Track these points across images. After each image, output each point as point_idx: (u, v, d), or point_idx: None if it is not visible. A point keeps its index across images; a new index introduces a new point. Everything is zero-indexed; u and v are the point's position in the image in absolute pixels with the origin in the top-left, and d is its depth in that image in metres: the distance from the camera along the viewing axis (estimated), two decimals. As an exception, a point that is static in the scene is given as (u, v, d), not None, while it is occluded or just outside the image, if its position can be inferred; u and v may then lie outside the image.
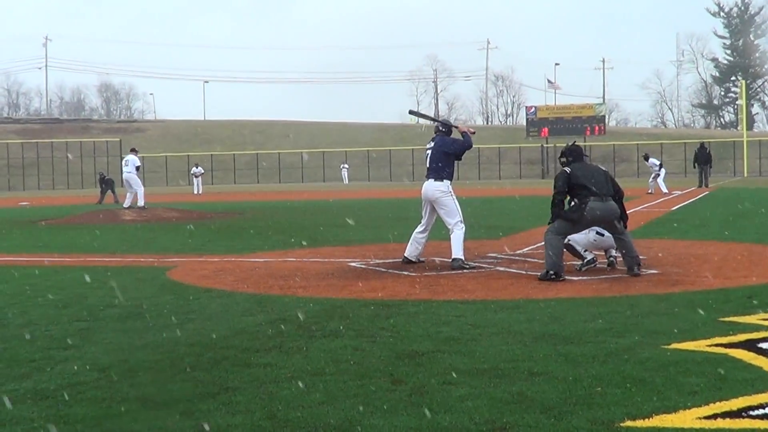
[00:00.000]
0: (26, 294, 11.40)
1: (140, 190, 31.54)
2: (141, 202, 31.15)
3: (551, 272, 11.64)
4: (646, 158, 45.66)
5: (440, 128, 14.10)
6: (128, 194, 32.01)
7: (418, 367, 6.82)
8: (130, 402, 6.05)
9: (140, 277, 12.98)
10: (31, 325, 9.09)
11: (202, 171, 61.97)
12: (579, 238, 12.74)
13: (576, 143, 13.05)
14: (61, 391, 6.38)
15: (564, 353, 7.14)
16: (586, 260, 12.69)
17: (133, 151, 33.59)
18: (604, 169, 12.71)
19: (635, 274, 11.79)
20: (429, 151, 13.81)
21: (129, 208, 30.78)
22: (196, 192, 57.41)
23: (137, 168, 31.71)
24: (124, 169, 32.10)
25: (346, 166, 68.02)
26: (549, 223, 12.29)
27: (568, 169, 12.41)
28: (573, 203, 12.26)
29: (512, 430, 5.18)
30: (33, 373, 7.01)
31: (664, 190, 41.30)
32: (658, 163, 43.47)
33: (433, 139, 13.92)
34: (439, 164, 13.62)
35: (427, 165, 13.80)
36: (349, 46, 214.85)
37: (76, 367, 7.14)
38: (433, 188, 13.55)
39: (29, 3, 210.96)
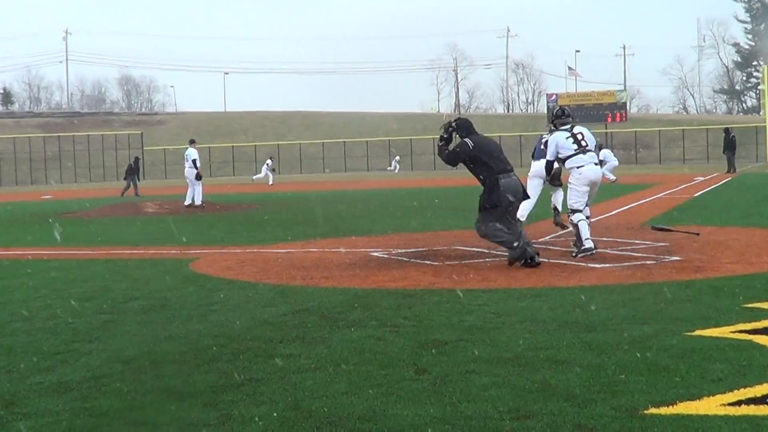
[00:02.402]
0: (50, 287, 11.46)
1: (198, 187, 29.45)
2: (198, 200, 29.31)
3: (525, 260, 11.72)
4: (601, 147, 43.60)
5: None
6: (188, 191, 29.92)
7: (441, 356, 6.82)
8: (154, 394, 6.07)
9: (163, 269, 13.02)
10: (55, 318, 9.14)
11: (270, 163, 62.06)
12: (578, 200, 12.88)
13: (461, 118, 13.02)
14: (85, 383, 6.42)
15: (587, 341, 7.12)
16: (583, 248, 12.59)
17: (192, 142, 31.53)
18: (496, 142, 12.89)
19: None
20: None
21: (189, 206, 29.12)
22: (270, 183, 57.42)
23: (194, 162, 29.87)
24: (185, 164, 30.46)
25: (398, 157, 66.02)
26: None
27: (470, 141, 12.33)
28: (484, 189, 12.18)
29: (536, 418, 5.17)
30: (57, 365, 7.05)
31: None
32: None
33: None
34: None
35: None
36: (369, 36, 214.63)
37: (100, 360, 7.18)
38: None
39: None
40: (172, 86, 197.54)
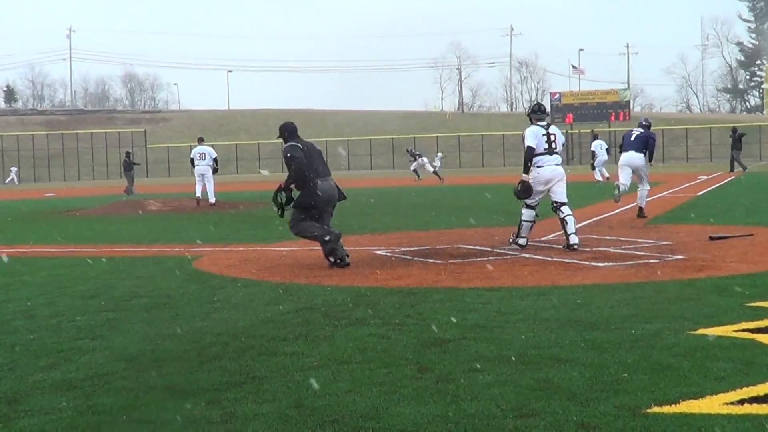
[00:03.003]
0: (53, 285, 11.48)
1: (210, 185, 29.43)
2: (212, 199, 29.21)
3: (335, 260, 12.25)
4: (596, 136, 42.48)
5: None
6: (208, 188, 29.56)
7: (444, 354, 6.82)
8: (157, 391, 6.08)
9: (167, 267, 13.03)
10: (58, 316, 9.15)
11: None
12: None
13: (286, 122, 13.37)
14: (88, 381, 6.42)
15: (590, 339, 7.12)
16: (514, 241, 13.82)
17: (201, 140, 31.21)
18: (318, 147, 13.19)
19: None
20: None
21: (213, 204, 28.93)
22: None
23: (214, 160, 29.77)
24: (200, 162, 29.73)
25: (441, 154, 63.84)
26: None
27: (300, 144, 12.69)
28: (302, 190, 12.56)
29: (538, 416, 5.17)
30: (61, 363, 7.06)
31: (598, 177, 39.33)
32: (606, 146, 40.82)
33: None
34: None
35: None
36: (373, 35, 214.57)
37: (103, 358, 7.19)
38: None
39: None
40: (175, 84, 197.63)
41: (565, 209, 13.65)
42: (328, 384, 6.05)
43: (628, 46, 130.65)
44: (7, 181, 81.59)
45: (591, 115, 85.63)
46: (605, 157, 39.89)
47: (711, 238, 13.91)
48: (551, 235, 15.55)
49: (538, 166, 13.69)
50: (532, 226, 13.88)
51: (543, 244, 14.17)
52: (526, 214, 13.80)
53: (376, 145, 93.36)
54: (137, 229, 20.73)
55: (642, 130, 20.08)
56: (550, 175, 13.73)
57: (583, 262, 11.91)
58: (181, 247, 15.93)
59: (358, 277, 11.33)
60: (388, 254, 13.60)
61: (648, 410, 5.23)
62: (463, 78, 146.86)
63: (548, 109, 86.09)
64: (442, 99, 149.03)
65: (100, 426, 5.36)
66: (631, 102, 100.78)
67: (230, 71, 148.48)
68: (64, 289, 11.12)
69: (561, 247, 13.59)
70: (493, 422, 5.11)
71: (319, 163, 12.67)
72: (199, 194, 29.57)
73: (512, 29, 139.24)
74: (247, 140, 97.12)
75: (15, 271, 13.19)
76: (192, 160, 30.14)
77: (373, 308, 8.94)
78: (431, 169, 46.01)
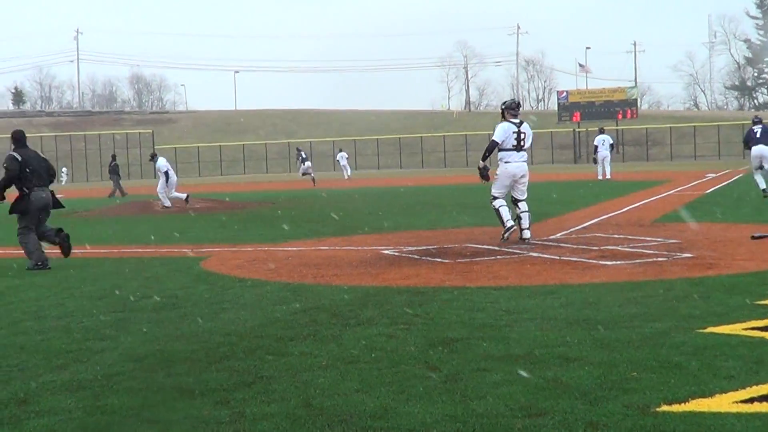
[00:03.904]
0: (62, 286, 11.50)
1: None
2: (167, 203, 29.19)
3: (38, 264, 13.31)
4: (602, 131, 41.64)
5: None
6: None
7: (453, 353, 6.82)
8: (166, 392, 6.09)
9: (175, 267, 13.04)
10: (67, 317, 9.17)
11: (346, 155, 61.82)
12: (500, 189, 14.64)
13: (16, 130, 14.49)
14: (97, 381, 6.43)
15: (598, 338, 7.11)
16: (506, 227, 14.51)
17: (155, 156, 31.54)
18: (43, 156, 14.21)
19: None
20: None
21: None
22: (346, 177, 57.43)
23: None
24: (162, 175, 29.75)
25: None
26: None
27: (18, 155, 13.57)
28: (18, 198, 13.56)
29: (547, 415, 5.16)
30: (70, 364, 7.07)
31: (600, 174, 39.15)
32: (611, 141, 40.53)
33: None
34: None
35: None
36: (379, 34, 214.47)
37: (112, 358, 7.20)
38: None
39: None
40: (182, 85, 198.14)
41: (522, 205, 14.65)
42: (337, 384, 6.05)
43: (635, 44, 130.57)
44: (60, 181, 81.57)
45: (598, 113, 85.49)
46: (606, 153, 39.47)
47: (753, 237, 13.83)
48: (559, 234, 15.54)
49: (506, 162, 14.68)
50: (509, 209, 14.71)
51: (550, 243, 14.16)
52: (498, 202, 14.72)
53: (382, 144, 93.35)
54: (145, 230, 20.76)
55: (762, 126, 23.69)
56: (516, 170, 14.66)
57: (591, 261, 11.89)
58: (188, 247, 15.94)
59: (366, 276, 11.33)
60: (396, 253, 13.59)
61: (657, 409, 5.22)
62: (470, 77, 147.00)
63: (557, 107, 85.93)
64: (449, 98, 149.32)
65: (110, 426, 5.37)
66: (639, 100, 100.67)
67: (237, 72, 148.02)
68: (72, 290, 11.14)
69: (505, 239, 14.53)
70: (501, 421, 5.10)
71: (39, 173, 13.69)
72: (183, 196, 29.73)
73: (519, 28, 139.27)
74: (255, 140, 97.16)
75: (24, 272, 13.22)
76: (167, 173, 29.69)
77: (381, 308, 8.94)
78: (310, 174, 46.22)
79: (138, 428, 5.33)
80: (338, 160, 60.71)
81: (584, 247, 13.44)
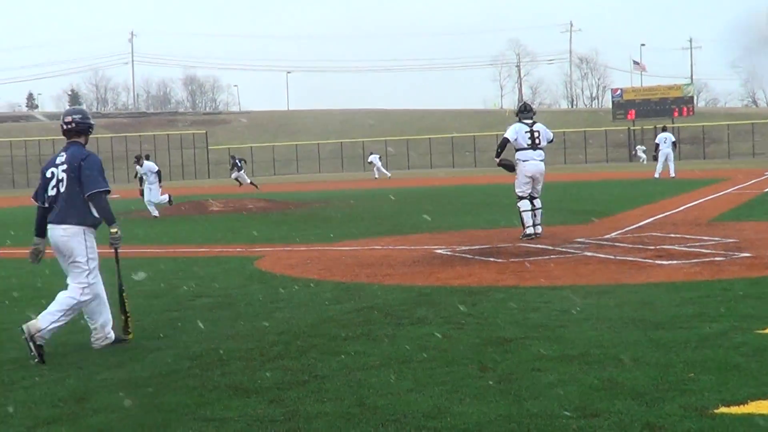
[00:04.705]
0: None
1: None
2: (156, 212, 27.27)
3: None
4: (664, 128, 40.56)
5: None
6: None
7: (506, 353, 6.79)
8: (221, 390, 6.12)
9: (229, 267, 13.12)
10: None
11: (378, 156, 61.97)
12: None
13: None
14: (154, 379, 6.50)
15: (655, 339, 7.04)
16: (524, 233, 15.01)
17: (146, 158, 29.35)
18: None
19: None
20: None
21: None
22: (377, 177, 57.58)
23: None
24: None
25: (644, 147, 58.18)
26: None
27: None
28: None
29: (603, 416, 5.12)
30: (126, 362, 7.15)
31: (668, 173, 37.87)
32: (672, 139, 39.08)
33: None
34: None
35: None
36: (432, 33, 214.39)
37: (168, 357, 7.26)
38: None
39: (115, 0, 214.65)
40: (235, 86, 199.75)
41: (537, 203, 15.31)
42: (390, 383, 6.05)
43: (691, 41, 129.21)
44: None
45: (654, 111, 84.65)
46: (669, 151, 38.95)
47: None
48: (614, 233, 15.41)
49: (523, 160, 15.31)
50: (532, 213, 15.15)
51: (605, 243, 14.04)
52: (523, 204, 15.21)
53: (435, 144, 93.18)
54: (199, 230, 20.91)
55: None
56: (533, 169, 15.29)
57: (646, 261, 11.77)
58: (242, 247, 16.03)
59: (419, 276, 11.32)
60: (449, 253, 13.57)
61: (715, 411, 5.15)
62: (522, 75, 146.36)
63: (611, 105, 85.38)
64: (501, 97, 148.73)
65: (166, 424, 5.41)
66: (695, 97, 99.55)
67: (289, 72, 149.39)
68: (128, 289, 11.22)
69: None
70: (556, 422, 5.07)
71: None
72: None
73: (572, 25, 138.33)
74: (307, 140, 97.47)
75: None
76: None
77: (435, 307, 8.93)
78: (247, 180, 46.57)
79: (193, 426, 5.37)
80: (371, 162, 60.72)
81: (640, 246, 13.32)
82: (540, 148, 15.36)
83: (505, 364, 6.43)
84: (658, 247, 13.14)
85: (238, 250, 15.66)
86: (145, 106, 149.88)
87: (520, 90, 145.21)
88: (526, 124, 15.39)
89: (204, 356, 7.23)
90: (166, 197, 27.71)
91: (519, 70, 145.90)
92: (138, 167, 28.64)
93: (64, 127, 8.26)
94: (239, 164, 47.52)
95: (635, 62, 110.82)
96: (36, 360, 7.33)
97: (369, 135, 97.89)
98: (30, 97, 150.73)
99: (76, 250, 7.95)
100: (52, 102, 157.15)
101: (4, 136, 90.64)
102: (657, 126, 72.99)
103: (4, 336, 8.60)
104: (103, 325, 7.97)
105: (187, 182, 72.36)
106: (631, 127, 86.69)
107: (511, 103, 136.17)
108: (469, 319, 8.26)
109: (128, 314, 8.21)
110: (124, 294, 8.38)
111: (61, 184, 7.97)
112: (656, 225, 16.95)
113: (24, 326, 7.51)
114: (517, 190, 15.37)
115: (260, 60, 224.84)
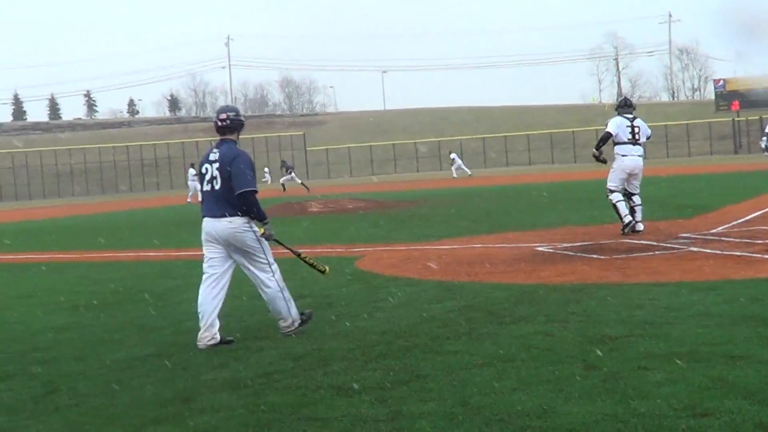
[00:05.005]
0: (221, 286, 11.73)
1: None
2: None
3: None
4: None
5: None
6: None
7: (612, 352, 6.67)
8: (324, 390, 6.14)
9: (330, 267, 13.16)
10: (227, 317, 9.34)
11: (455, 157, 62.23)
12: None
13: None
14: (257, 379, 6.55)
15: (766, 336, 6.85)
16: (624, 224, 14.86)
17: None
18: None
19: None
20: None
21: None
22: (456, 176, 57.85)
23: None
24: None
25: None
26: None
27: None
28: None
29: (713, 416, 4.99)
30: (230, 362, 7.22)
31: None
32: None
33: None
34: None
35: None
36: (527, 28, 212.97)
37: (271, 357, 7.32)
38: None
39: (211, 4, 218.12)
40: (331, 87, 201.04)
41: (636, 199, 15.22)
42: (493, 382, 6.00)
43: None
44: (263, 181, 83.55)
45: (759, 101, 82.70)
46: None
47: None
48: (720, 228, 15.08)
49: (623, 155, 15.27)
50: (626, 203, 15.17)
51: (711, 237, 13.74)
52: (615, 196, 15.19)
53: (533, 140, 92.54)
54: (299, 231, 21.07)
55: None
56: (632, 164, 15.22)
57: (755, 255, 11.48)
58: (342, 247, 16.10)
59: (521, 274, 11.23)
60: (551, 250, 13.43)
61: (831, 409, 4.99)
62: (621, 68, 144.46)
63: (714, 96, 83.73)
64: (600, 91, 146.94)
65: (270, 424, 5.44)
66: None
67: (385, 71, 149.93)
68: (231, 290, 11.35)
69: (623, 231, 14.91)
70: (664, 422, 4.96)
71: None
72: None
73: (671, 16, 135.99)
74: (404, 140, 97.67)
75: (185, 273, 13.57)
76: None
77: (537, 305, 8.84)
78: (299, 181, 46.58)
79: (297, 426, 5.39)
80: (453, 159, 60.67)
81: (748, 240, 13.00)
82: (639, 144, 15.29)
83: (611, 363, 6.32)
84: (767, 240, 12.81)
85: (338, 250, 15.73)
86: (243, 109, 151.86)
87: (618, 83, 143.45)
88: (627, 118, 15.34)
89: (306, 356, 7.27)
90: None
91: (617, 63, 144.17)
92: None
93: (219, 124, 8.59)
94: (290, 168, 47.56)
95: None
96: (306, 321, 8.42)
97: (466, 133, 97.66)
98: (131, 103, 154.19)
99: (246, 239, 8.27)
100: (152, 108, 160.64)
101: (107, 142, 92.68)
102: (763, 117, 71.40)
103: (110, 337, 8.76)
104: (212, 325, 8.07)
105: (291, 184, 72.99)
106: (736, 119, 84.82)
107: (609, 97, 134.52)
108: (573, 317, 8.15)
109: (312, 263, 9.08)
110: (300, 255, 9.12)
111: (215, 181, 8.28)
112: (765, 218, 16.53)
113: (284, 330, 8.29)
114: (609, 184, 15.32)
115: (356, 60, 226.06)
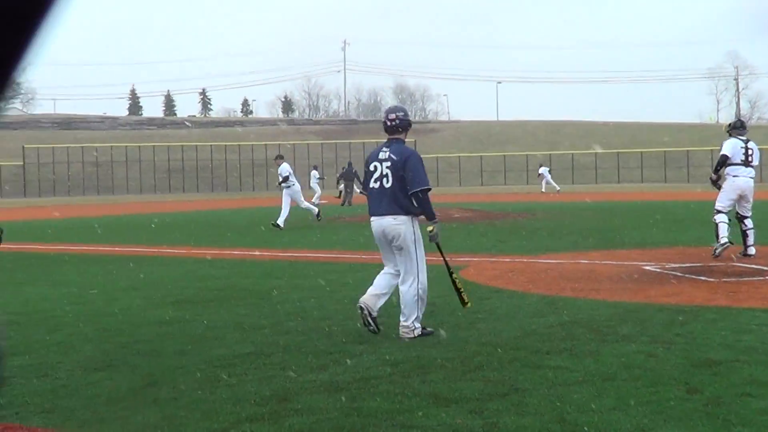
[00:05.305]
0: (324, 288, 11.85)
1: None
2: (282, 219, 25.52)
3: None
4: None
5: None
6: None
7: (715, 376, 6.53)
8: (420, 398, 6.14)
9: (431, 276, 13.13)
10: (328, 319, 9.44)
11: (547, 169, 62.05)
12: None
13: None
14: (355, 384, 6.58)
15: None
16: (718, 244, 14.58)
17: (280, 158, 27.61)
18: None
19: None
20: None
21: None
22: (544, 190, 57.69)
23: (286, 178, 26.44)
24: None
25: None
26: None
27: None
28: None
29: (819, 448, 4.85)
30: (329, 365, 7.27)
31: None
32: None
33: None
34: None
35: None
36: (643, 44, 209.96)
37: (369, 362, 7.35)
38: None
39: (329, 8, 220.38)
40: (445, 95, 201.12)
41: (748, 222, 15.03)
42: (592, 400, 5.92)
43: None
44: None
45: None
46: None
47: None
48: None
49: (734, 176, 15.07)
50: (727, 226, 14.87)
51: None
52: (720, 217, 14.95)
53: (647, 158, 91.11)
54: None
55: None
56: (744, 185, 15.04)
57: None
58: (447, 256, 16.04)
59: (626, 292, 11.06)
60: (658, 270, 13.21)
61: None
62: (740, 89, 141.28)
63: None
64: (717, 110, 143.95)
65: (364, 428, 5.46)
66: None
67: (499, 82, 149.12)
68: (333, 293, 11.47)
69: (738, 255, 14.68)
70: (768, 451, 4.83)
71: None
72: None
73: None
74: (515, 151, 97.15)
75: (289, 274, 13.73)
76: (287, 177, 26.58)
77: (641, 325, 8.69)
78: (341, 188, 46.11)
79: (392, 432, 5.40)
80: (541, 173, 60.10)
81: None
82: (752, 166, 15.12)
83: (714, 387, 6.18)
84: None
85: (442, 259, 15.67)
86: (356, 113, 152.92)
87: (738, 104, 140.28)
88: (741, 140, 15.16)
89: (405, 363, 7.28)
90: (287, 210, 25.65)
91: (737, 83, 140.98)
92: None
93: (388, 123, 8.91)
94: (344, 176, 47.22)
95: None
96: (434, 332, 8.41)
97: (579, 147, 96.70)
98: (245, 103, 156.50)
99: (406, 237, 8.60)
100: (265, 108, 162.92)
101: (220, 141, 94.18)
102: None
103: (211, 334, 8.90)
104: (409, 318, 8.47)
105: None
106: None
107: (727, 118, 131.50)
108: (677, 338, 7.99)
109: (461, 290, 8.98)
110: (453, 275, 9.13)
111: (385, 179, 8.62)
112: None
113: (406, 338, 8.36)
114: (718, 205, 15.07)
115: (470, 70, 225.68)
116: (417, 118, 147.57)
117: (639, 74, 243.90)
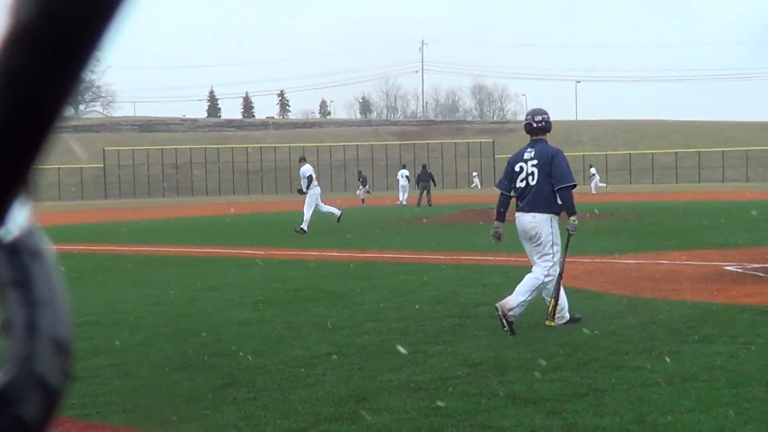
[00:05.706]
0: (402, 289, 11.89)
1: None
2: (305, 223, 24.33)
3: None
4: None
5: None
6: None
7: (799, 378, 6.44)
8: (499, 398, 6.15)
9: (512, 276, 13.11)
10: (405, 320, 9.47)
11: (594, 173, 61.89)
12: None
13: None
14: (432, 384, 6.61)
15: None
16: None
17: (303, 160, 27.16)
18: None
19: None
20: None
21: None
22: (594, 192, 57.43)
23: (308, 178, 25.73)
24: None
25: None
26: None
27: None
28: None
29: None
30: (407, 365, 7.31)
31: None
32: None
33: None
34: None
35: None
36: (724, 42, 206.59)
37: (447, 362, 7.37)
38: None
39: (406, 9, 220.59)
40: (523, 95, 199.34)
41: None
42: (672, 401, 5.88)
43: None
44: (471, 186, 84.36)
45: None
46: None
47: None
48: None
49: None
50: None
51: None
52: None
53: (728, 157, 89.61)
54: (483, 238, 21.05)
55: None
56: None
57: None
58: (526, 256, 15.98)
59: (706, 292, 10.93)
60: (740, 270, 13.01)
61: None
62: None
63: None
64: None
65: (443, 429, 5.49)
66: None
67: (578, 82, 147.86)
68: (411, 294, 11.50)
69: None
70: None
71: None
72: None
73: None
74: (594, 151, 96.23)
75: (366, 275, 13.79)
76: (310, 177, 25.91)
77: (722, 326, 8.59)
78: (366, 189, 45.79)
79: (470, 432, 5.42)
80: (593, 174, 59.63)
81: None
82: None
83: (797, 389, 6.10)
84: None
85: (521, 259, 15.63)
86: (434, 114, 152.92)
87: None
88: None
89: (483, 364, 7.29)
90: (310, 213, 24.58)
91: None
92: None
93: (534, 125, 9.42)
94: (364, 179, 47.07)
95: None
96: (509, 334, 8.39)
97: (658, 147, 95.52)
98: (323, 103, 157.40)
99: (542, 236, 9.01)
100: (342, 109, 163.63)
101: (298, 143, 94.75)
102: None
103: (289, 334, 8.98)
104: (561, 306, 8.86)
105: (473, 190, 73.12)
106: None
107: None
108: (759, 339, 7.88)
109: (557, 302, 9.01)
110: (561, 280, 9.20)
111: (531, 177, 9.07)
112: None
113: (497, 305, 8.61)
114: None
115: (549, 69, 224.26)
116: (495, 118, 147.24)
117: (719, 72, 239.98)
